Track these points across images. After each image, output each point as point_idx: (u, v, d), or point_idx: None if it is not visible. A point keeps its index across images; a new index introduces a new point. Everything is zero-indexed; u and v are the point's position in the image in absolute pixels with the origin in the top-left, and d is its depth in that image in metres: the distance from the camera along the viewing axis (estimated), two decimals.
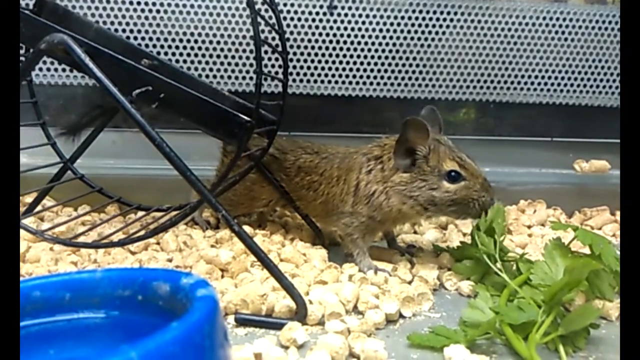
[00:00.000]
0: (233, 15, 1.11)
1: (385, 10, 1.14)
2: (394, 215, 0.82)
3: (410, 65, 1.18)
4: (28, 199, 0.98)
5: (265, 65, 1.13)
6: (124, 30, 1.08)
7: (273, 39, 1.10)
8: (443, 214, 0.81)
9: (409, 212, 0.80)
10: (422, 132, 0.77)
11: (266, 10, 1.04)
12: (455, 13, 1.17)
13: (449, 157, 0.78)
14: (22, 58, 0.75)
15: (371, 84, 1.18)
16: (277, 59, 1.13)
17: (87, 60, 0.65)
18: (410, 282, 0.78)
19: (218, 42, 1.12)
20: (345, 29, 1.14)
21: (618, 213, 1.15)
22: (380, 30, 1.15)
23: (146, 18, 1.09)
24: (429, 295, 0.74)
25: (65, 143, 0.93)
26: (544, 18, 1.19)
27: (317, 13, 1.13)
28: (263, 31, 1.07)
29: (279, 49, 0.85)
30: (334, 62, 1.16)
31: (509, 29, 1.19)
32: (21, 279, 0.61)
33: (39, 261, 0.79)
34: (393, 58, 1.17)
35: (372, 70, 1.17)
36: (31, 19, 0.68)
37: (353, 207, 0.83)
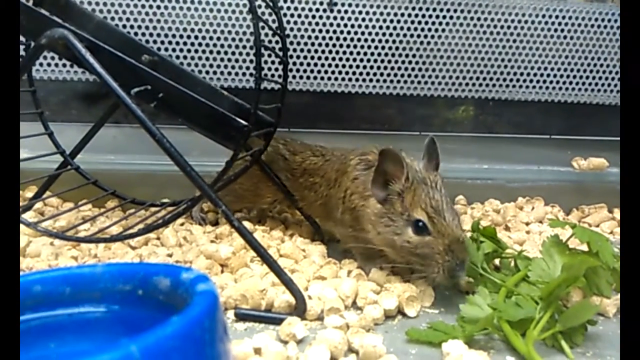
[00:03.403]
0: (233, 12, 1.11)
1: (385, 7, 1.14)
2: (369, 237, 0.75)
3: (410, 62, 1.18)
4: (28, 193, 0.98)
5: (266, 62, 1.13)
6: (124, 26, 1.08)
7: (274, 36, 1.10)
8: (404, 262, 0.72)
9: (377, 242, 0.74)
10: (398, 166, 0.71)
11: (267, 9, 1.04)
12: (455, 10, 1.17)
13: (422, 204, 0.69)
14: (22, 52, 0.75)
15: (370, 80, 1.18)
16: (278, 61, 1.13)
17: (87, 56, 0.65)
18: (408, 279, 0.78)
19: (218, 39, 1.12)
20: (345, 26, 1.14)
21: (616, 210, 1.15)
22: (380, 28, 1.15)
23: (147, 14, 1.09)
24: (430, 291, 0.74)
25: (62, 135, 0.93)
26: (543, 16, 1.19)
27: (317, 10, 1.13)
28: (263, 27, 1.07)
29: (280, 53, 0.85)
30: (333, 59, 1.16)
31: (508, 27, 1.19)
32: (21, 273, 0.62)
33: (39, 256, 0.80)
34: (392, 55, 1.17)
35: (371, 67, 1.17)
36: (32, 11, 0.68)
37: (341, 215, 0.79)
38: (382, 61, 1.17)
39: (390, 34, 1.16)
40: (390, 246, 0.72)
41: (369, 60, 1.17)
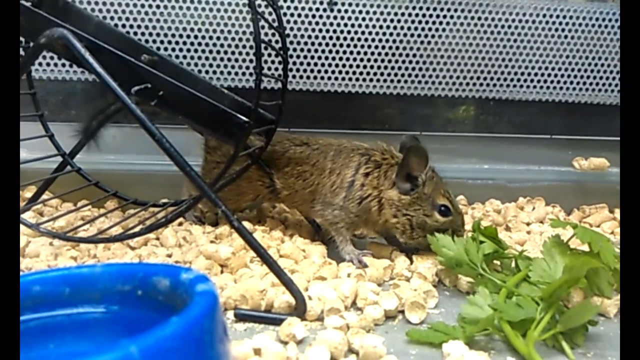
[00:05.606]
0: (233, 11, 1.10)
1: (385, 6, 1.14)
2: (380, 222, 0.86)
3: (410, 62, 1.18)
4: (27, 193, 0.98)
5: (265, 62, 1.13)
6: (124, 25, 1.08)
7: (273, 35, 1.10)
8: (418, 237, 0.84)
9: (395, 226, 0.85)
10: (423, 159, 0.82)
11: (267, 9, 1.04)
12: (455, 10, 1.16)
13: (441, 193, 0.84)
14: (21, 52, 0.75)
15: (371, 80, 1.18)
16: (277, 55, 1.13)
17: (87, 56, 0.65)
18: (409, 279, 0.78)
19: (218, 38, 1.11)
20: (345, 25, 1.14)
21: (617, 211, 1.15)
22: (380, 27, 1.15)
23: (146, 13, 1.08)
24: (434, 292, 0.74)
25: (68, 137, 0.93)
26: (544, 15, 1.19)
27: (317, 9, 1.12)
28: (263, 27, 1.07)
29: (280, 51, 0.84)
30: (333, 59, 1.16)
31: (509, 26, 1.18)
32: (21, 273, 0.62)
33: (38, 256, 0.79)
34: (393, 55, 1.17)
35: (371, 67, 1.17)
36: (31, 12, 0.68)
37: (344, 202, 0.86)
38: (382, 61, 1.17)
39: (391, 34, 1.16)
40: (420, 227, 0.84)
41: (369, 60, 1.17)
